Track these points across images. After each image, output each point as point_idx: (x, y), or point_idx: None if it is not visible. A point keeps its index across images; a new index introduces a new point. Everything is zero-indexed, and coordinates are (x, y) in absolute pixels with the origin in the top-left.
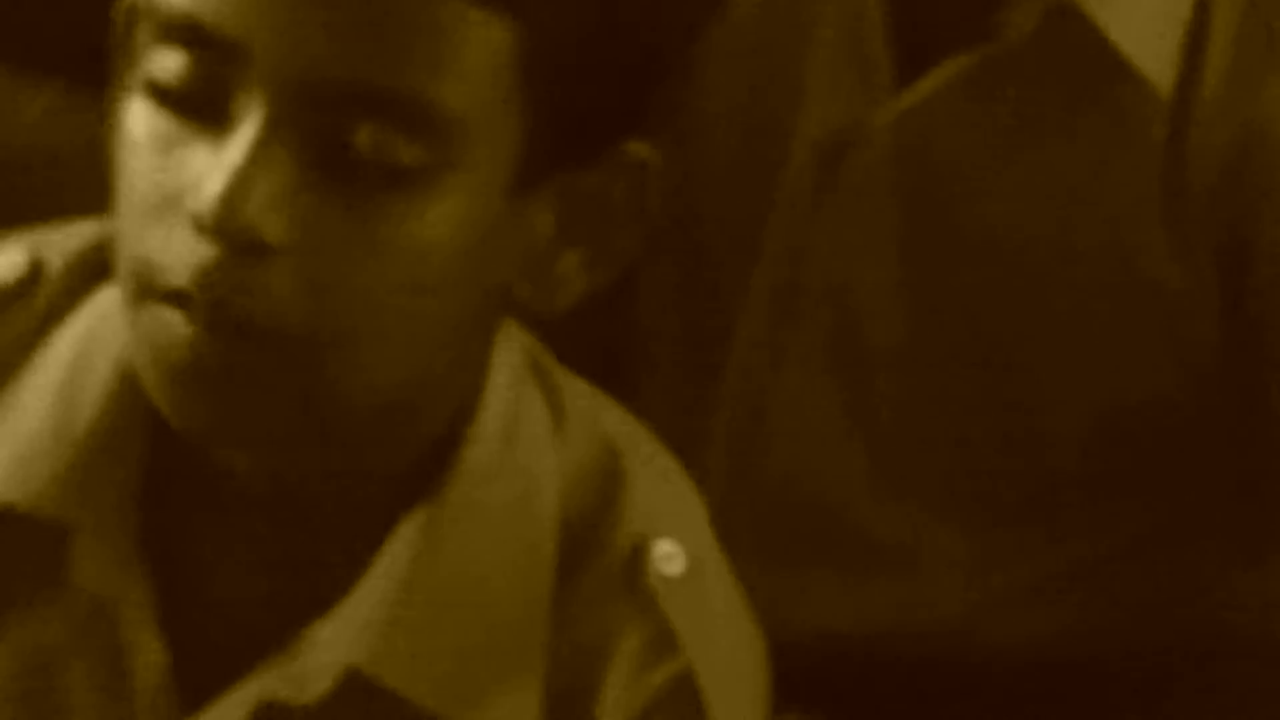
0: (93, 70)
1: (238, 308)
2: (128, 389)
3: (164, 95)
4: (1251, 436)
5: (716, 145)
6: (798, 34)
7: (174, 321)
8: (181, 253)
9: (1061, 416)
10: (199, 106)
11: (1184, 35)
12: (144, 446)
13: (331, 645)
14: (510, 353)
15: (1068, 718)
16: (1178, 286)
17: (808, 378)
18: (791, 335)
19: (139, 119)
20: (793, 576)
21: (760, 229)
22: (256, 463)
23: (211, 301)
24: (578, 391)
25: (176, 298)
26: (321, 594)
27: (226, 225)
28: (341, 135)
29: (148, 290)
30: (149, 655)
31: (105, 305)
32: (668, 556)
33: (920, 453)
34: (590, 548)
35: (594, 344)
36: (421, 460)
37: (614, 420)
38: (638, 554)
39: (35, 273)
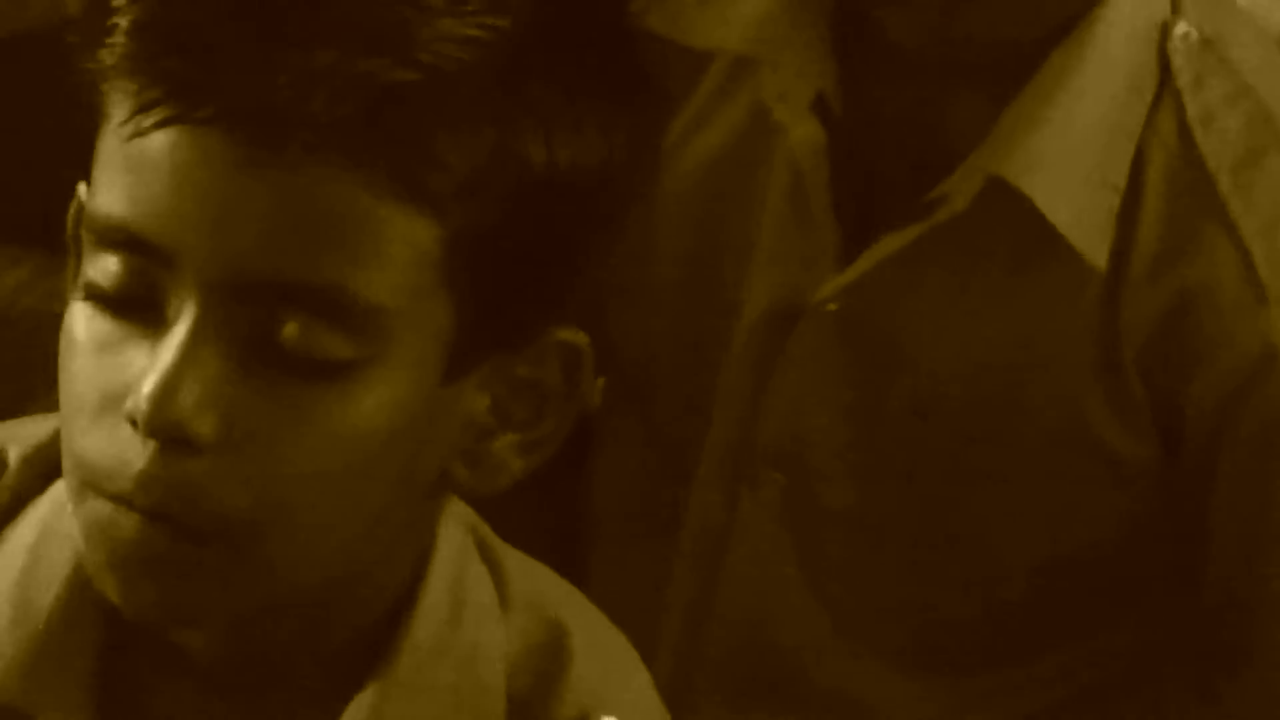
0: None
1: (178, 508)
2: (84, 575)
3: (103, 298)
4: (1194, 581)
5: (667, 310)
6: (745, 204)
7: (116, 517)
8: (122, 454)
9: (1010, 569)
10: (136, 309)
11: (1118, 205)
12: (101, 626)
13: None
14: (454, 529)
15: None
16: (1118, 443)
17: (763, 536)
18: (746, 495)
19: (80, 321)
20: None
21: (711, 393)
22: (208, 640)
23: (152, 504)
24: (521, 567)
25: (118, 498)
26: None
27: (159, 425)
28: (270, 331)
29: (91, 487)
30: None
31: (62, 496)
32: None
33: (875, 608)
34: None
35: (549, 505)
36: (370, 634)
37: (558, 596)
38: None
39: None
